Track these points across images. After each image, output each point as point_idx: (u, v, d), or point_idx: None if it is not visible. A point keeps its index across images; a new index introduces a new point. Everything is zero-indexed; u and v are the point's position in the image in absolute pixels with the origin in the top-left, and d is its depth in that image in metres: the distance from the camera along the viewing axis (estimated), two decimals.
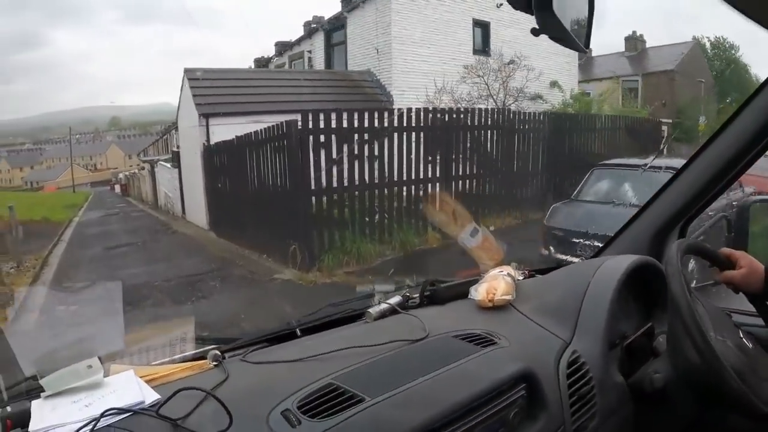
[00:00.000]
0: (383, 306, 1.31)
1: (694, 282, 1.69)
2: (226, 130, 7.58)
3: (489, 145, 8.33)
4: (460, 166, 7.88)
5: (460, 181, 7.89)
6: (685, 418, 1.26)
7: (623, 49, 13.23)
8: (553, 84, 10.34)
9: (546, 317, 1.31)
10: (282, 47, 11.14)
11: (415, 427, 0.90)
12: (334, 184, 6.65)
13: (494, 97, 9.28)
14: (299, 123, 6.40)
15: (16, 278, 6.36)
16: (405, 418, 0.92)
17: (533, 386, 1.09)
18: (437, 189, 7.38)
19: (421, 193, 7.31)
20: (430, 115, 7.60)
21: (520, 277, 1.49)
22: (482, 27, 9.77)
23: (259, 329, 1.29)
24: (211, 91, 8.03)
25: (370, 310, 1.31)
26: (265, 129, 6.95)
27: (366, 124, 6.88)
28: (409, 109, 7.30)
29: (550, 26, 0.79)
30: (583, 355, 1.20)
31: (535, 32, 0.81)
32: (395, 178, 7.10)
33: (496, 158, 8.41)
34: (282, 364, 1.09)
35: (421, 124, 7.36)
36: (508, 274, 1.42)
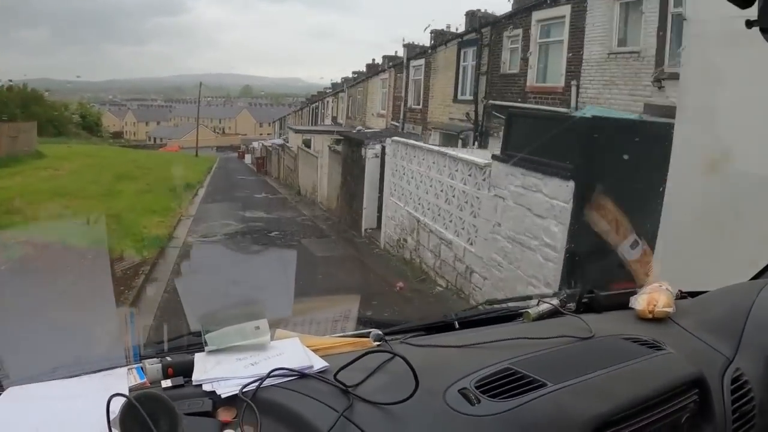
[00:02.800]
0: (543, 306, 1.34)
1: None
2: None
3: None
4: None
5: None
6: None
7: None
8: None
9: (707, 333, 1.30)
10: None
11: (597, 416, 0.93)
12: None
13: None
14: None
15: None
16: (587, 406, 0.95)
17: (705, 394, 1.10)
18: None
19: None
20: None
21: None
22: None
23: (418, 318, 1.35)
24: None
25: (529, 310, 1.35)
26: None
27: None
28: None
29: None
30: (745, 373, 1.20)
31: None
32: None
33: None
34: (448, 349, 1.14)
35: None
36: (668, 288, 1.40)
